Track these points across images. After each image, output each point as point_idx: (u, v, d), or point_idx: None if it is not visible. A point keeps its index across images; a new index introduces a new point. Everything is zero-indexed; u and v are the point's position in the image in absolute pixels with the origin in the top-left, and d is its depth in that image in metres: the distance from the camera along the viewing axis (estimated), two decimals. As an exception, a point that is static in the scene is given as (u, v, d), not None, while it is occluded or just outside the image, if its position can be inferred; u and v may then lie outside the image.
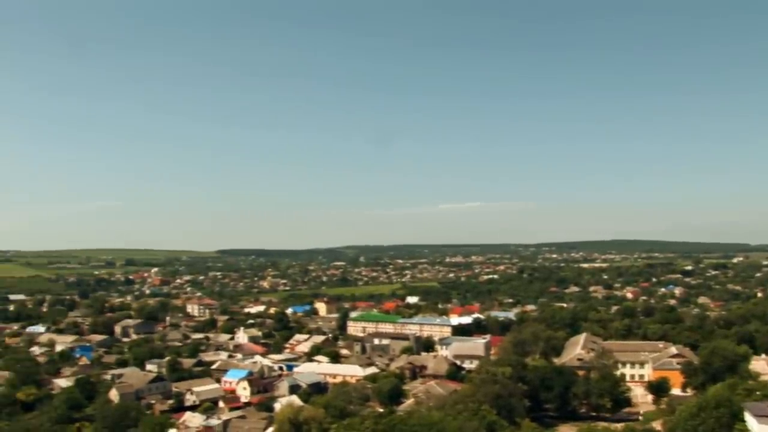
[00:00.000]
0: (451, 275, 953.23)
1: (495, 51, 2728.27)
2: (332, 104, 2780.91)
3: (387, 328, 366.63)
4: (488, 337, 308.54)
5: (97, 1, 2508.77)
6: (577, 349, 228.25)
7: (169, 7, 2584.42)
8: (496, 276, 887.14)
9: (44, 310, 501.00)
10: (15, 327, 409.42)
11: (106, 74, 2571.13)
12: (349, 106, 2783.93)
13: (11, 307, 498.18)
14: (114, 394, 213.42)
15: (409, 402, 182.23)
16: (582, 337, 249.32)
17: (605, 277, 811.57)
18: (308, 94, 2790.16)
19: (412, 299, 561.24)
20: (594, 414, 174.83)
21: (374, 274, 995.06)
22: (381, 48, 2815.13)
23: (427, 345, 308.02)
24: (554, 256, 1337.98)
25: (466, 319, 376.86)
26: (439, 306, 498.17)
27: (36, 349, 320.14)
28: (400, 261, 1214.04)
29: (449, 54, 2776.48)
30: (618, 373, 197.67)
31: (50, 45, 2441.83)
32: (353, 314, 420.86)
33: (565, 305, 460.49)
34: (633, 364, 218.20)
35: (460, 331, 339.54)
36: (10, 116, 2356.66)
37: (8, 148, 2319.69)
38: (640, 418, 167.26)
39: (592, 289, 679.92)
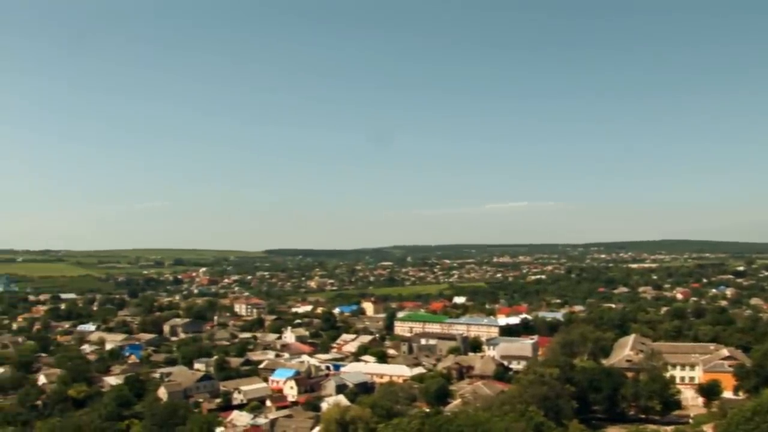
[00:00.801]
0: (499, 275, 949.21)
1: (543, 50, 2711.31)
2: (379, 104, 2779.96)
3: (434, 328, 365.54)
4: (536, 337, 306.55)
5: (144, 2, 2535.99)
6: (625, 351, 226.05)
7: (207, 8, 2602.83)
8: (543, 276, 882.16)
9: (95, 308, 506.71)
10: (66, 325, 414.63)
11: (153, 75, 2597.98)
12: (395, 106, 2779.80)
13: (63, 306, 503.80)
14: (162, 393, 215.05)
15: (455, 402, 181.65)
16: (631, 339, 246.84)
17: (654, 277, 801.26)
18: (352, 94, 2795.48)
19: (459, 299, 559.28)
20: (643, 416, 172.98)
21: (421, 274, 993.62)
22: (424, 48, 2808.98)
23: (474, 345, 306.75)
24: (603, 256, 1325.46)
25: (514, 320, 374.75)
26: (487, 306, 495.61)
27: (87, 347, 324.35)
28: (448, 261, 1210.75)
29: (495, 53, 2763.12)
30: (668, 375, 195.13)
31: (104, 48, 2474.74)
32: (400, 314, 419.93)
33: (613, 306, 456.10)
34: (683, 366, 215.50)
35: (507, 331, 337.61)
36: (64, 118, 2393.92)
37: (61, 150, 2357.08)
38: (691, 421, 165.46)
39: (641, 289, 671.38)
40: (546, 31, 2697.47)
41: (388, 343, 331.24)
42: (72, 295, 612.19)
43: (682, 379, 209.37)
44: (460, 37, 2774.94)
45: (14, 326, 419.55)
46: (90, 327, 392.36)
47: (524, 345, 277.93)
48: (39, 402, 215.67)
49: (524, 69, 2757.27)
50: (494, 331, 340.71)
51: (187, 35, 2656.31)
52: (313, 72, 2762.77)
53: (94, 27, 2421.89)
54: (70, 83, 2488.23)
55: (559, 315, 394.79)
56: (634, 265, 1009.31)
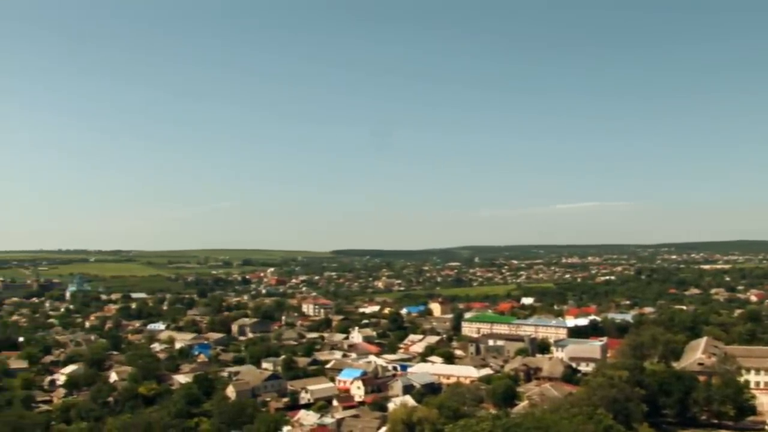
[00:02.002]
0: (567, 276, 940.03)
1: (621, 48, 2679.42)
2: (448, 104, 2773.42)
3: (502, 329, 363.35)
4: (605, 339, 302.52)
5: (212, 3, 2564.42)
6: (697, 354, 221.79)
7: (268, 9, 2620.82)
8: (613, 277, 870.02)
9: (164, 308, 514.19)
10: (137, 324, 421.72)
11: (221, 77, 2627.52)
12: (466, 105, 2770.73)
13: (133, 305, 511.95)
14: (231, 391, 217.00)
15: (523, 404, 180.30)
16: (703, 341, 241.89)
17: (727, 279, 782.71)
18: (421, 94, 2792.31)
19: (527, 300, 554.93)
20: (715, 421, 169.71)
21: (489, 274, 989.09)
22: (499, 47, 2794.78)
23: (542, 347, 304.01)
24: (673, 257, 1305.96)
25: (582, 321, 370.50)
26: (555, 307, 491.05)
27: (156, 346, 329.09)
28: (515, 262, 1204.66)
29: (568, 52, 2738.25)
30: (741, 379, 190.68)
31: (175, 50, 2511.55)
32: (468, 315, 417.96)
33: (684, 308, 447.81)
34: (758, 370, 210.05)
35: (575, 333, 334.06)
36: (135, 120, 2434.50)
37: (132, 152, 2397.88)
38: (767, 427, 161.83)
39: (713, 291, 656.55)
40: (624, 28, 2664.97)
41: (455, 343, 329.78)
42: (142, 295, 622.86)
43: (757, 384, 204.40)
44: (537, 37, 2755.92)
45: (87, 324, 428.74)
46: (160, 326, 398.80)
47: (593, 347, 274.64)
48: (110, 399, 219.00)
49: (596, 67, 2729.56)
50: (562, 333, 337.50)
51: (260, 37, 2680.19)
52: (386, 73, 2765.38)
53: (166, 29, 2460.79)
54: (142, 85, 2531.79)
55: (629, 317, 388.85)
56: (707, 266, 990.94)
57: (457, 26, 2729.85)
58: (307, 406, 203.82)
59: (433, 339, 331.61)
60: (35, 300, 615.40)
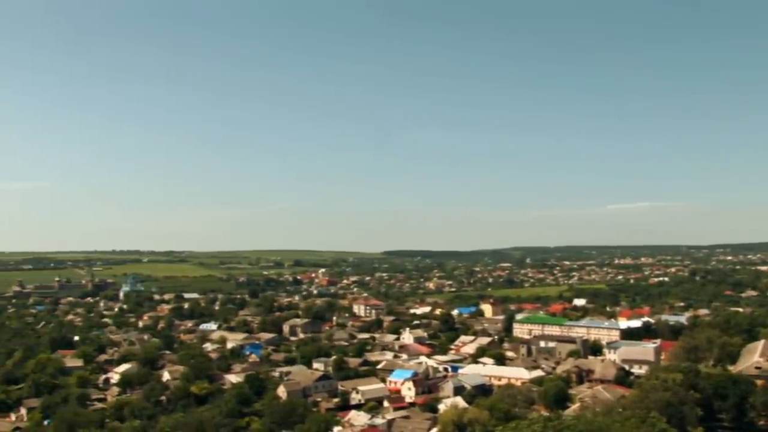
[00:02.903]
0: (620, 277, 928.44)
1: (675, 46, 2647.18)
2: (499, 104, 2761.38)
3: (553, 330, 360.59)
4: (658, 341, 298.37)
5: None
6: (754, 357, 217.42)
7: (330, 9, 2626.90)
8: (666, 278, 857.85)
9: (216, 308, 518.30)
10: (189, 324, 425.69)
11: (270, 79, 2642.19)
12: (514, 106, 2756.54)
13: (186, 305, 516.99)
14: (282, 391, 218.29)
15: (575, 406, 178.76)
16: (760, 344, 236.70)
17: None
18: (470, 95, 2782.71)
19: (579, 301, 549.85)
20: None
21: (540, 275, 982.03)
22: (551, 45, 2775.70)
23: (594, 349, 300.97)
24: (729, 258, 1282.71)
25: (635, 323, 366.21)
26: (607, 309, 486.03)
27: (208, 346, 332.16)
28: (567, 262, 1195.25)
29: (622, 50, 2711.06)
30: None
31: (221, 53, 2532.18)
32: (519, 316, 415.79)
33: (741, 310, 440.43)
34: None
35: (628, 334, 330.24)
36: (187, 122, 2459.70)
37: (184, 154, 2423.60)
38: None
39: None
40: (682, 28, 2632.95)
41: (506, 345, 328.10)
42: (194, 295, 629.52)
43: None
44: (586, 34, 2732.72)
45: (140, 324, 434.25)
46: (212, 326, 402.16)
47: (646, 349, 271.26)
48: (163, 397, 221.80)
49: (650, 65, 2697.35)
50: (615, 335, 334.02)
51: (309, 38, 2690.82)
52: (434, 74, 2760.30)
53: (217, 33, 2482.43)
54: (195, 88, 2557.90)
55: (683, 318, 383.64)
56: (764, 267, 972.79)
57: (505, 26, 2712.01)
58: (358, 407, 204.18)
59: (484, 340, 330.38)
60: (90, 300, 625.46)
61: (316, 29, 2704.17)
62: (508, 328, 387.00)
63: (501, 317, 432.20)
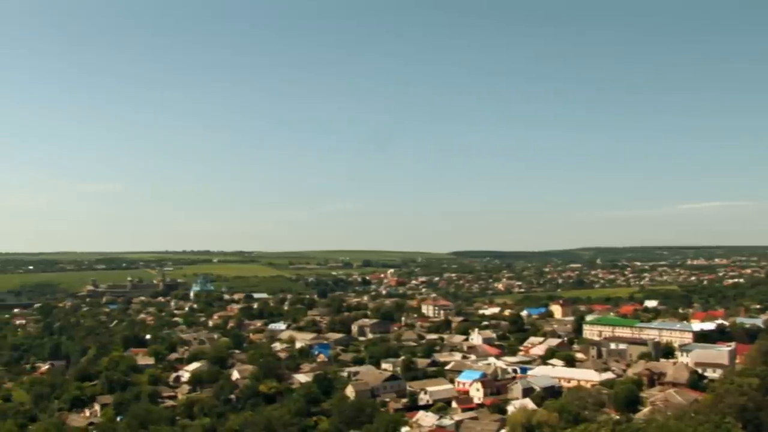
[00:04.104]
0: (693, 278, 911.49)
1: (748, 43, 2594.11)
2: (567, 103, 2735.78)
3: (624, 332, 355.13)
4: (733, 344, 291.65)
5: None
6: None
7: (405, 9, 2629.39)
8: (742, 280, 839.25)
9: (285, 308, 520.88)
10: (258, 324, 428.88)
11: (339, 81, 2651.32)
12: (583, 106, 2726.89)
13: (255, 305, 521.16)
14: (350, 391, 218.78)
15: (646, 410, 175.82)
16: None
17: None
18: (539, 94, 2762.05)
19: (650, 303, 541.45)
20: None
21: (611, 276, 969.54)
22: (620, 44, 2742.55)
23: (666, 351, 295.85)
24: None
25: (709, 325, 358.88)
26: (680, 311, 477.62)
27: (277, 345, 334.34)
28: (638, 263, 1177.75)
29: (694, 49, 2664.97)
30: None
31: (289, 55, 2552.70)
32: (589, 317, 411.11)
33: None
34: None
35: (701, 337, 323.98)
36: (255, 123, 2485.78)
37: (253, 156, 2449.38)
38: None
39: None
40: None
41: (576, 346, 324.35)
42: (264, 295, 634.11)
43: None
44: (660, 33, 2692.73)
45: (210, 323, 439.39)
46: (281, 326, 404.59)
47: (720, 352, 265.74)
48: (232, 396, 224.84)
49: (720, 63, 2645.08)
50: (688, 337, 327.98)
51: (377, 39, 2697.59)
52: (495, 73, 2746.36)
53: (283, 33, 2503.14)
54: (260, 90, 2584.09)
55: (759, 321, 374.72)
56: None
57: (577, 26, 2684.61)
58: (426, 407, 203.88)
59: (553, 341, 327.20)
60: (161, 299, 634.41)
61: (382, 30, 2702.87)
62: (577, 330, 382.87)
63: (571, 318, 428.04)
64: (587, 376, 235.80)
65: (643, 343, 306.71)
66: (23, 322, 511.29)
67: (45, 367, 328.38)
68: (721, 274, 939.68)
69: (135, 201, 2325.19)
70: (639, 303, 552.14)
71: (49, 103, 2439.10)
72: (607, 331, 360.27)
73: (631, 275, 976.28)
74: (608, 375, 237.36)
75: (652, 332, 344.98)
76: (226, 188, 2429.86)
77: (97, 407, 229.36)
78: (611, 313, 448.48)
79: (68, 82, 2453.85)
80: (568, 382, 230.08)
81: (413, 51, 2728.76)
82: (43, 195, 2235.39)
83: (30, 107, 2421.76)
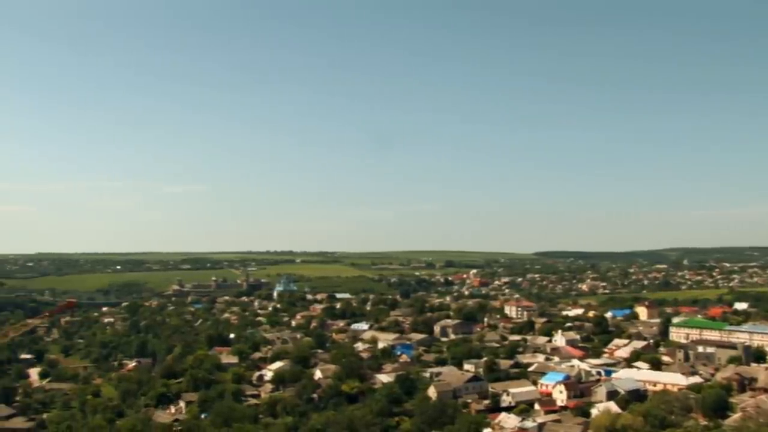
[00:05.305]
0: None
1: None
2: (661, 102, 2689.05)
3: (712, 335, 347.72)
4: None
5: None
6: None
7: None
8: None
9: (368, 308, 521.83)
10: (341, 323, 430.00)
11: (419, 83, 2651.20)
12: (683, 103, 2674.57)
13: (338, 305, 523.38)
14: (432, 392, 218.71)
15: (735, 416, 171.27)
16: None
17: None
18: (623, 95, 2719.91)
19: (740, 305, 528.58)
20: None
21: (698, 277, 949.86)
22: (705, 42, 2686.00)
23: (757, 355, 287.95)
24: None
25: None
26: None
27: (360, 345, 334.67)
28: (727, 264, 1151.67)
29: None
30: None
31: (358, 57, 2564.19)
32: (676, 320, 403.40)
33: None
34: None
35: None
36: (332, 126, 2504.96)
37: (337, 157, 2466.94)
38: None
39: None
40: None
41: (662, 349, 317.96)
42: (346, 295, 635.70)
43: None
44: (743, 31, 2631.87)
45: (293, 323, 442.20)
46: (363, 326, 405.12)
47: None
48: (315, 395, 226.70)
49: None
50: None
51: (437, 42, 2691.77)
52: (573, 79, 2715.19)
53: (365, 38, 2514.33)
54: (333, 93, 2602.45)
55: None
56: None
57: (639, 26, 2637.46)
58: (509, 409, 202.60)
59: (638, 344, 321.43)
60: (245, 299, 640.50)
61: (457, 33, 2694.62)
62: (663, 332, 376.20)
63: (656, 320, 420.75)
64: (674, 379, 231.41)
65: (732, 346, 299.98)
66: (111, 320, 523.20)
67: (132, 364, 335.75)
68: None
69: (219, 202, 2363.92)
70: (728, 305, 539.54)
71: (135, 108, 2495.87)
72: (695, 334, 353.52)
73: (719, 276, 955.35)
74: (696, 379, 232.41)
75: (742, 336, 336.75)
76: (308, 189, 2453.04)
77: (182, 404, 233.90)
78: (699, 316, 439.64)
79: (158, 88, 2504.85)
80: (654, 385, 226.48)
81: (483, 55, 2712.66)
82: (131, 197, 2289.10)
83: (116, 113, 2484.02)
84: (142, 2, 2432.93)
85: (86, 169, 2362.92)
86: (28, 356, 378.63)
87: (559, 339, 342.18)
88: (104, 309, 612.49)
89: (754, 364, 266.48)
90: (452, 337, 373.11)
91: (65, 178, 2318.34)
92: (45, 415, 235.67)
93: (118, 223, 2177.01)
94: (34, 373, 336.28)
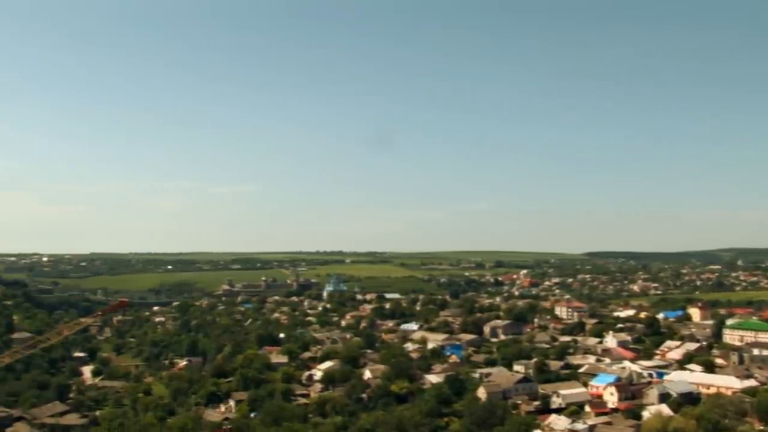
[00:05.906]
0: None
1: None
2: (714, 100, 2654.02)
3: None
4: None
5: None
6: None
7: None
8: None
9: (417, 308, 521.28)
10: (390, 324, 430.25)
11: (470, 84, 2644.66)
12: (735, 102, 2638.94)
13: (387, 305, 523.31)
14: (482, 392, 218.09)
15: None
16: None
17: None
18: (677, 93, 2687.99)
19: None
20: None
21: (753, 278, 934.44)
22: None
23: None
24: None
25: None
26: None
27: (409, 345, 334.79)
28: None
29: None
30: None
31: (411, 59, 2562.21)
32: (730, 321, 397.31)
33: None
34: None
35: None
36: (386, 127, 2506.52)
37: (385, 158, 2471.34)
38: None
39: None
40: None
41: (715, 351, 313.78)
42: (396, 295, 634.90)
43: None
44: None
45: (342, 323, 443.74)
46: (413, 326, 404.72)
47: None
48: (364, 395, 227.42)
49: None
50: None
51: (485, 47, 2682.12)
52: (633, 80, 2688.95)
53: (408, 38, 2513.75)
54: (393, 95, 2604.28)
55: None
56: None
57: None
58: (559, 411, 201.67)
59: (691, 346, 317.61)
60: (295, 299, 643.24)
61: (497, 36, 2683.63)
62: (717, 334, 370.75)
63: (710, 322, 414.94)
64: (727, 382, 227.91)
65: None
66: (162, 319, 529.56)
67: (183, 363, 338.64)
68: None
69: (269, 202, 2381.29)
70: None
71: (185, 112, 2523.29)
72: (749, 336, 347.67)
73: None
74: (750, 382, 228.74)
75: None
76: (358, 189, 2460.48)
77: (232, 403, 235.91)
78: (754, 317, 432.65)
79: (206, 91, 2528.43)
80: (707, 388, 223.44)
81: (532, 58, 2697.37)
82: (181, 198, 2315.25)
83: (165, 116, 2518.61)
84: (184, 3, 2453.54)
85: (139, 170, 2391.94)
86: (81, 354, 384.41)
87: (610, 340, 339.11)
88: (155, 308, 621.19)
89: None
90: (502, 337, 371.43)
91: (117, 179, 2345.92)
92: (98, 412, 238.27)
93: (169, 224, 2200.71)
94: (87, 370, 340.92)
